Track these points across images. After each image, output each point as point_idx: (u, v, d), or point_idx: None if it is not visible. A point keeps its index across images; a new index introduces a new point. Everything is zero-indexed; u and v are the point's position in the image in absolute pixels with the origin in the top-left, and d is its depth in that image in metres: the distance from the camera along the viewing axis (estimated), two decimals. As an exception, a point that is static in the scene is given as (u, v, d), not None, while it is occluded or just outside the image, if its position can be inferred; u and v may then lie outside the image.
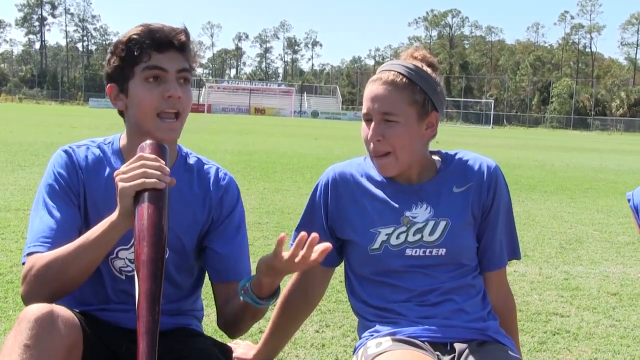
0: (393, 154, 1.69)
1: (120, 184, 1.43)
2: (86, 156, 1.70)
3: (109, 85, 1.67)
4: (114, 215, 1.48)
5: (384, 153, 1.70)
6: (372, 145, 1.71)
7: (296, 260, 1.41)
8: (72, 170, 1.66)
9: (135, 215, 1.40)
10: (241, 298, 1.59)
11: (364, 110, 1.72)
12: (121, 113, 1.71)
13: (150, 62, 1.60)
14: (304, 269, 1.55)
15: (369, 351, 1.63)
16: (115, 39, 1.70)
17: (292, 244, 1.88)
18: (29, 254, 1.57)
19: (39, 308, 1.39)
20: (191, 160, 1.78)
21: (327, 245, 1.40)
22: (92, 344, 1.49)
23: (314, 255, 1.40)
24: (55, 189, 1.64)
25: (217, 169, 1.80)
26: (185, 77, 1.66)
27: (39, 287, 1.50)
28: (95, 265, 1.54)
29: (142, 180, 1.41)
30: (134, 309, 1.67)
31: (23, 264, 1.58)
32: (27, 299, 1.50)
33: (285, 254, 1.43)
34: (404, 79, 1.68)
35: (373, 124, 1.70)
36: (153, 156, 1.46)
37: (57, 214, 1.60)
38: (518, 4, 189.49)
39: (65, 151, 1.69)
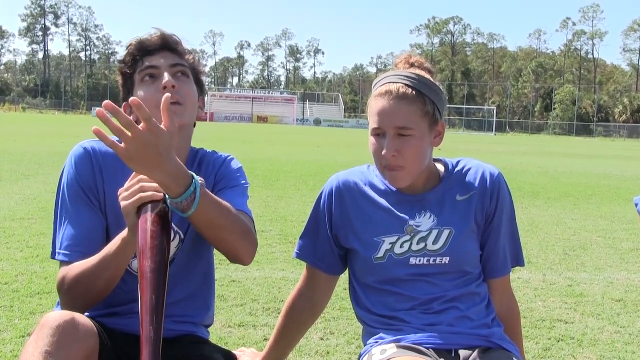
0: (407, 167, 1.69)
1: (122, 203, 1.47)
2: (106, 154, 1.69)
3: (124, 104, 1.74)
4: (125, 232, 1.51)
5: (399, 167, 1.69)
6: (386, 160, 1.68)
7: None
8: (92, 169, 1.67)
9: (138, 229, 1.43)
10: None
11: (375, 125, 1.68)
12: None
13: (143, 65, 1.71)
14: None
15: (373, 358, 1.63)
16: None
17: (296, 253, 1.90)
18: (61, 262, 1.64)
19: (61, 315, 1.40)
20: (199, 154, 1.85)
21: None
22: (106, 351, 1.50)
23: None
24: (77, 189, 1.66)
25: (215, 152, 1.88)
26: (181, 72, 1.73)
27: (74, 300, 1.58)
28: (119, 276, 1.60)
29: (139, 195, 1.45)
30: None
31: (52, 258, 1.67)
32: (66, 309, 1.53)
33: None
34: (413, 91, 1.67)
35: (387, 139, 1.67)
36: None
37: (81, 219, 1.64)
38: (520, 11, 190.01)
39: (85, 148, 1.69)
